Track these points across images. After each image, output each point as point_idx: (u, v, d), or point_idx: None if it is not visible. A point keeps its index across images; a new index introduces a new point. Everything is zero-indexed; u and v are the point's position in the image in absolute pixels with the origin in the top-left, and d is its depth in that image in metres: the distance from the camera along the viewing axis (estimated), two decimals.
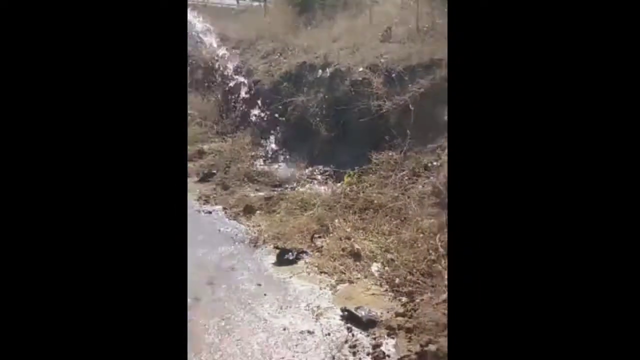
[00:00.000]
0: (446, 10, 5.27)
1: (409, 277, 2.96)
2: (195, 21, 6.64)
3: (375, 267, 3.14)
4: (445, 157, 3.81)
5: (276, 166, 5.00)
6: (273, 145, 5.37)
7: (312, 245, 3.45)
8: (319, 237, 3.54)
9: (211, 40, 6.61)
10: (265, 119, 5.68)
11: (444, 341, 2.43)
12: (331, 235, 3.54)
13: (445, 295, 2.75)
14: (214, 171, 4.79)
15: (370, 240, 3.40)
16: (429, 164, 3.95)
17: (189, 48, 5.43)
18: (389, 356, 2.42)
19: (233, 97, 6.30)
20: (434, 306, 2.70)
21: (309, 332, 2.58)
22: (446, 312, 2.63)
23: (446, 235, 3.21)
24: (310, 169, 4.82)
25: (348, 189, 4.11)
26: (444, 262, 3.02)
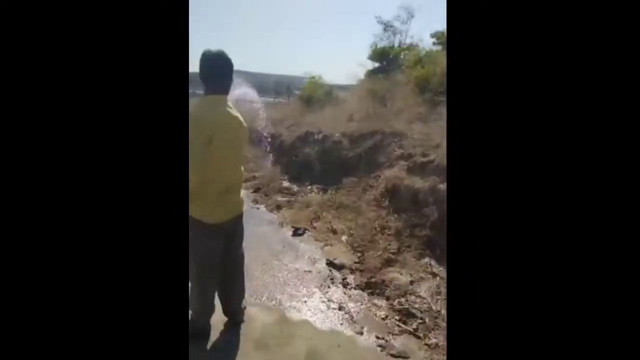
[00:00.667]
0: (385, 105, 5.41)
1: (361, 243, 2.96)
2: (257, 108, 6.74)
3: (344, 238, 3.13)
4: (380, 181, 3.80)
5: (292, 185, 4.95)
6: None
7: (311, 226, 3.42)
8: (315, 221, 3.51)
9: (260, 118, 6.67)
10: (287, 160, 5.69)
11: (380, 276, 2.44)
12: (321, 221, 3.52)
13: (380, 252, 2.75)
14: (260, 187, 4.72)
15: (342, 224, 3.39)
16: (371, 184, 3.94)
17: (252, 123, 5.50)
18: (350, 283, 2.41)
19: (270, 148, 6.33)
20: (374, 258, 2.70)
21: (309, 271, 2.57)
22: (381, 261, 2.63)
23: (380, 221, 3.22)
24: (310, 186, 4.75)
25: (330, 197, 4.10)
26: (380, 235, 3.02)
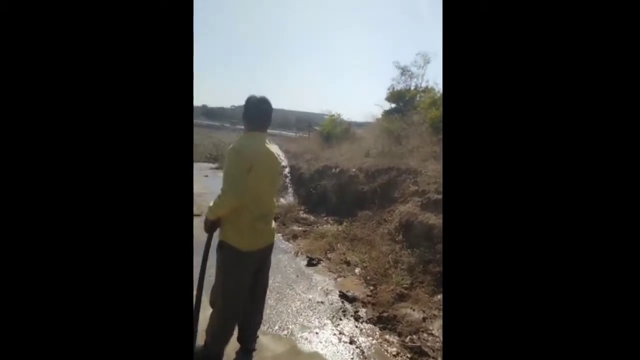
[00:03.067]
0: (401, 143, 5.46)
1: (374, 276, 2.89)
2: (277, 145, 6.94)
3: (357, 270, 3.07)
4: (394, 216, 3.76)
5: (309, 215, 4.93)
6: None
7: (326, 256, 3.38)
8: (329, 252, 3.47)
9: (280, 153, 6.83)
10: (305, 192, 5.72)
11: (392, 311, 2.36)
12: (335, 252, 3.48)
13: (392, 286, 2.68)
14: (278, 216, 4.74)
15: (355, 256, 3.33)
16: (386, 219, 3.89)
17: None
18: (362, 317, 2.34)
19: (290, 180, 6.41)
20: (387, 292, 2.63)
21: (322, 302, 2.51)
22: (394, 295, 2.57)
23: (394, 255, 3.14)
24: (326, 217, 4.74)
25: (345, 228, 4.05)
26: (393, 270, 2.94)
